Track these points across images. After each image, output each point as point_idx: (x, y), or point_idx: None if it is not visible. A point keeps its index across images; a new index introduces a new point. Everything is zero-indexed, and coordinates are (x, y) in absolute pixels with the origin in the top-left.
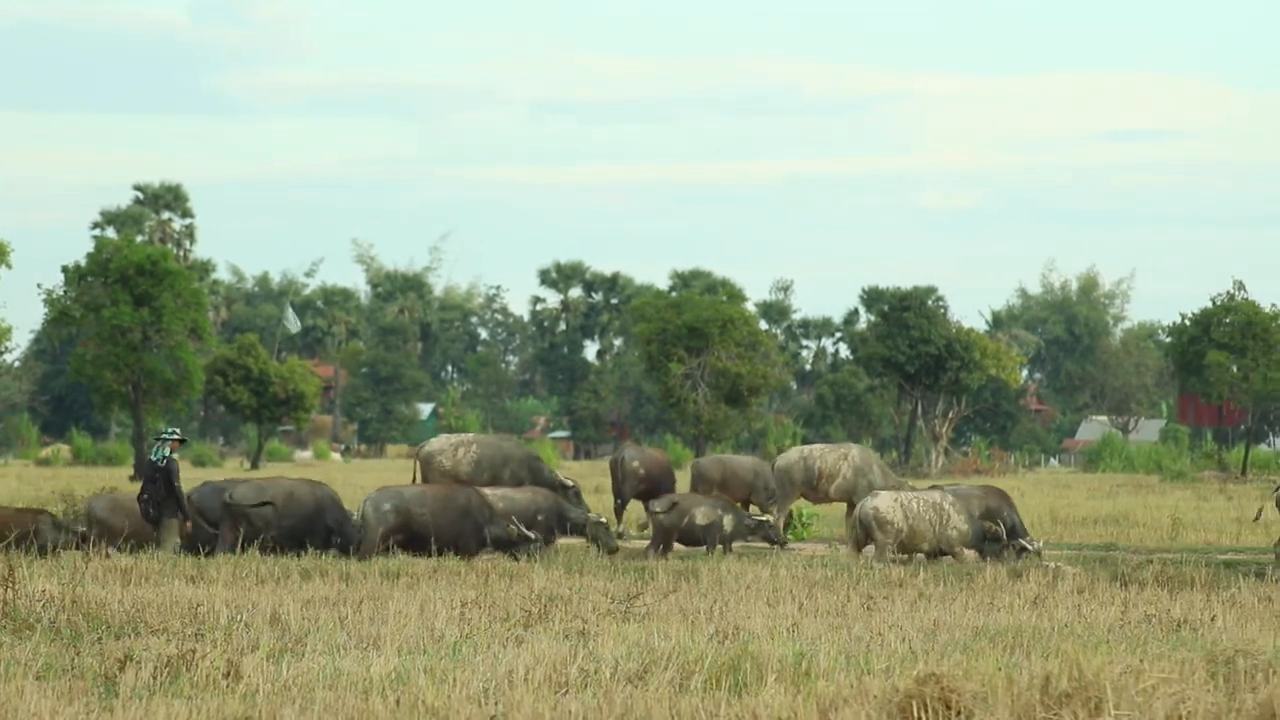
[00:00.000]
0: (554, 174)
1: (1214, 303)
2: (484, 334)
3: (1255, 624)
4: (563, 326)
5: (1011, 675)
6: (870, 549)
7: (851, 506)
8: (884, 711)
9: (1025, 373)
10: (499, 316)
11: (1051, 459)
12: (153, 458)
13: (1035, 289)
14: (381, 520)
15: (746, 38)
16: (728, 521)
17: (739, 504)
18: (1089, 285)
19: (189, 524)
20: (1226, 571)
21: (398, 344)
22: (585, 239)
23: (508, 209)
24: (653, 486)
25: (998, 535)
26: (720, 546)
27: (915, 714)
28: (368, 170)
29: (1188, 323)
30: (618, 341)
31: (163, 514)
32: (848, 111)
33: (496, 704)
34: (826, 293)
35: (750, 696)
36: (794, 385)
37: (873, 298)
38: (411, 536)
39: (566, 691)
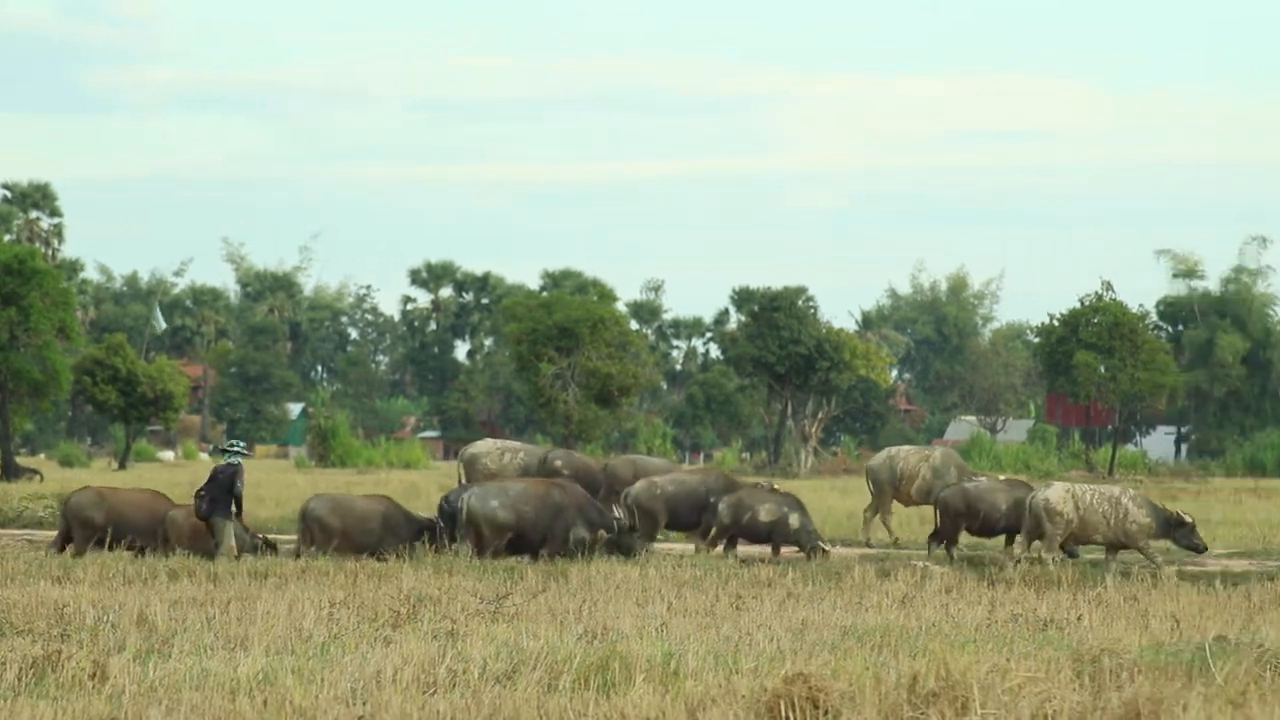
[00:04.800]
0: (425, 173)
1: (1082, 303)
2: (354, 334)
3: (1121, 623)
4: (433, 326)
5: (879, 674)
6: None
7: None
8: (752, 711)
9: (894, 373)
10: (369, 316)
11: None
12: (225, 460)
13: (905, 289)
14: (492, 517)
15: (616, 38)
16: (794, 519)
17: None
18: (958, 285)
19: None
20: (1093, 571)
21: (267, 344)
22: (456, 238)
23: (378, 208)
24: None
25: (1181, 520)
26: (796, 546)
27: (783, 713)
28: (238, 169)
29: (1056, 323)
30: (488, 341)
31: (214, 512)
32: (717, 112)
33: (364, 704)
34: (697, 293)
35: (618, 696)
36: (664, 385)
37: (743, 298)
38: (519, 536)
39: (435, 691)
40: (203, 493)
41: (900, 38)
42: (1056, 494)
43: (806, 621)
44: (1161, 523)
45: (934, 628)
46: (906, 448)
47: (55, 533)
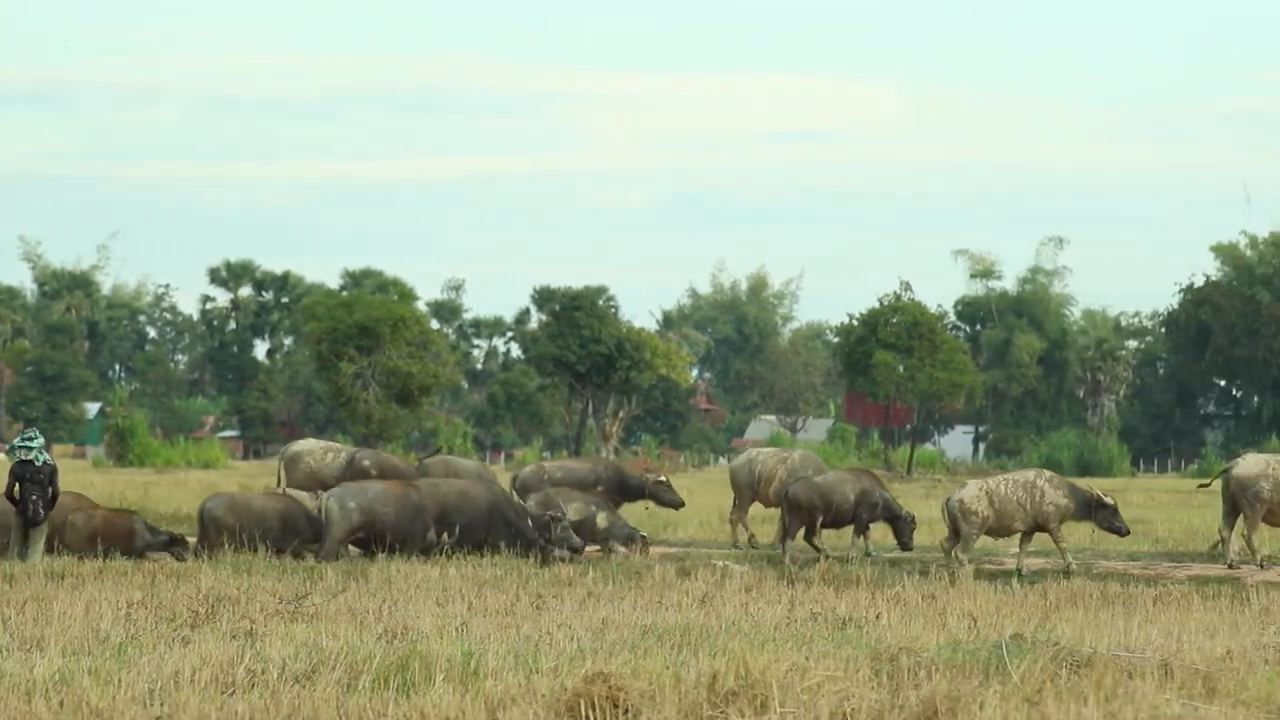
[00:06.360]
0: (224, 171)
1: (881, 303)
2: (152, 333)
3: (919, 621)
4: (232, 325)
5: (679, 673)
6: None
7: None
8: (552, 710)
9: (695, 372)
10: (168, 315)
11: (720, 458)
12: (37, 460)
13: (705, 289)
14: (346, 519)
15: (417, 34)
16: (601, 518)
17: None
18: (758, 285)
19: None
20: (891, 569)
21: (64, 343)
22: (255, 237)
23: (177, 207)
24: None
25: (1103, 501)
26: (601, 546)
27: (583, 713)
28: (35, 166)
29: (855, 323)
30: (288, 340)
31: (42, 517)
32: (518, 109)
33: (162, 705)
34: (498, 292)
35: (418, 696)
36: (465, 384)
37: (544, 297)
38: (373, 535)
39: (233, 692)
40: (35, 496)
41: (698, 37)
42: (971, 494)
43: (607, 620)
44: (1081, 504)
45: (734, 626)
46: (767, 450)
47: None
